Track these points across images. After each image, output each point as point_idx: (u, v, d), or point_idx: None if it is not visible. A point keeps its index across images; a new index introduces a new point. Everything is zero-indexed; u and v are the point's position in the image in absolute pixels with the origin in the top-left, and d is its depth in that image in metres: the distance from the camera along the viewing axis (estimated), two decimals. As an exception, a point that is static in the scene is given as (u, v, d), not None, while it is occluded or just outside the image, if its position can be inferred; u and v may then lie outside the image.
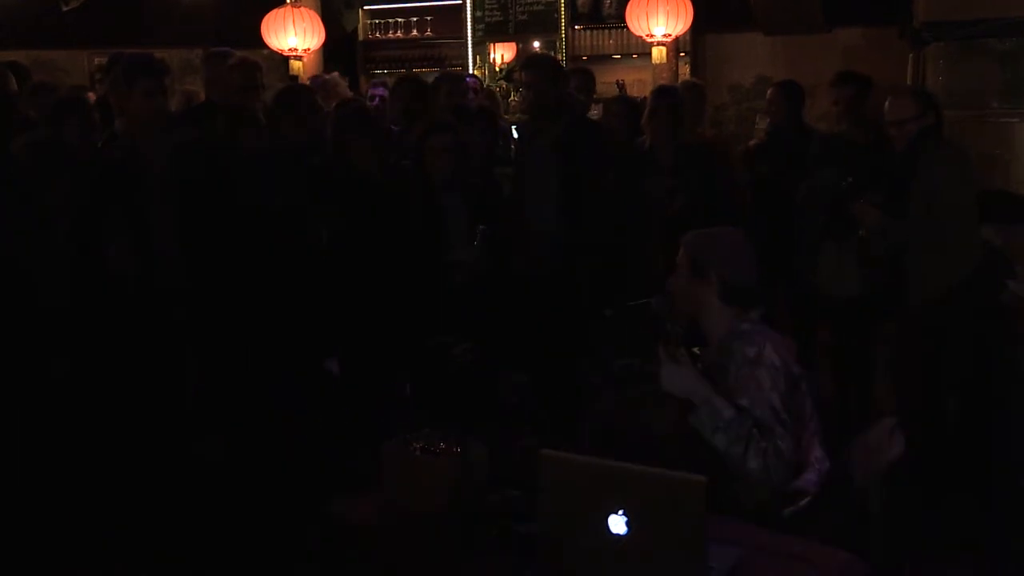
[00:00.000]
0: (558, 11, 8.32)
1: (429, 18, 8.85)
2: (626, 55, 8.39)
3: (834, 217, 4.74)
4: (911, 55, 6.51)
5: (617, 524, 2.15)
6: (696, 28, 7.46)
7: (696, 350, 3.13)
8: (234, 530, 4.39)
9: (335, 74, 6.60)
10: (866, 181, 4.59)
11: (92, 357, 3.86)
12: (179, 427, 4.34)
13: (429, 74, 8.66)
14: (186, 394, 4.30)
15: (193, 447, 4.44)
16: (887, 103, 4.46)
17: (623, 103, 5.94)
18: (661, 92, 5.35)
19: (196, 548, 4.15)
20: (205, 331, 4.34)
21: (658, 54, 7.33)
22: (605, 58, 8.50)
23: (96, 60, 8.30)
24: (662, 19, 7.06)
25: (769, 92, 5.61)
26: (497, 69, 8.55)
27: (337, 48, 8.52)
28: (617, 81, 8.08)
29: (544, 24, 8.38)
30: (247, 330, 4.42)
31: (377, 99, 6.27)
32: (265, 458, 4.51)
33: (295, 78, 7.59)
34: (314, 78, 6.76)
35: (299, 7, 7.62)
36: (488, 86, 8.04)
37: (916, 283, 4.41)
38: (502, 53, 8.73)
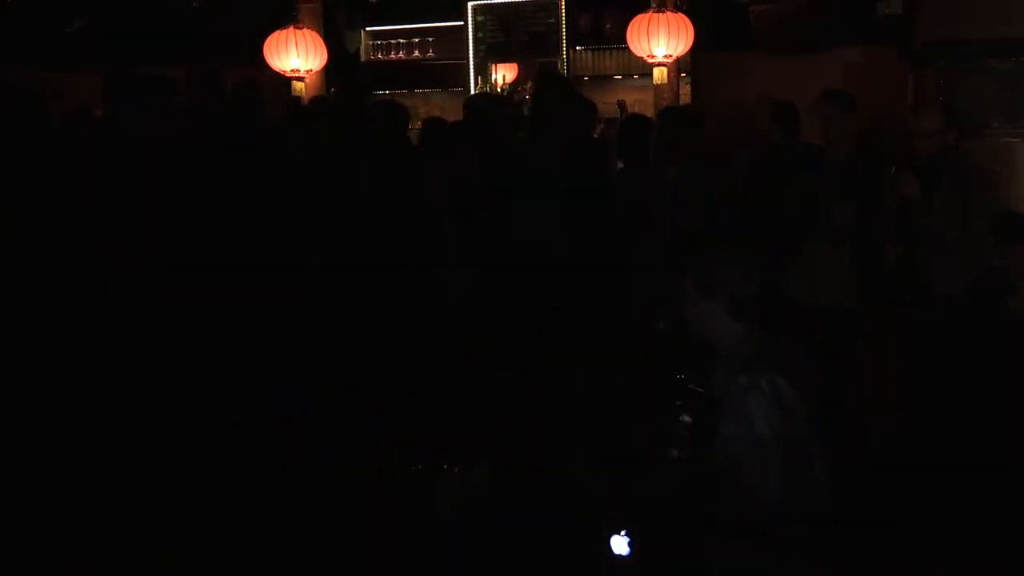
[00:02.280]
0: (559, 32, 8.36)
1: (431, 39, 8.90)
2: (627, 75, 8.43)
3: (811, 222, 4.79)
4: (911, 75, 6.53)
5: (619, 545, 2.14)
6: (697, 48, 7.49)
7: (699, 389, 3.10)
8: (235, 531, 4.41)
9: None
10: (840, 195, 4.66)
11: (94, 357, 3.86)
12: (179, 426, 4.34)
13: (431, 94, 8.76)
14: (185, 394, 4.30)
15: (193, 447, 4.45)
16: (918, 115, 4.50)
17: (629, 122, 5.98)
18: (668, 112, 5.37)
19: (197, 548, 4.20)
20: (205, 331, 4.34)
21: (659, 74, 7.36)
22: (606, 78, 8.53)
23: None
24: (663, 40, 7.09)
25: (771, 113, 5.65)
26: (499, 89, 8.58)
27: (340, 69, 8.55)
28: (618, 101, 8.10)
29: (545, 45, 8.42)
30: (248, 331, 4.44)
31: None
32: (265, 459, 4.51)
33: (297, 99, 7.62)
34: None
35: (302, 28, 7.66)
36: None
37: (919, 291, 4.45)
38: (504, 74, 8.76)
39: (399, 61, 8.99)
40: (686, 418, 2.96)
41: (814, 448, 2.77)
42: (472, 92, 8.27)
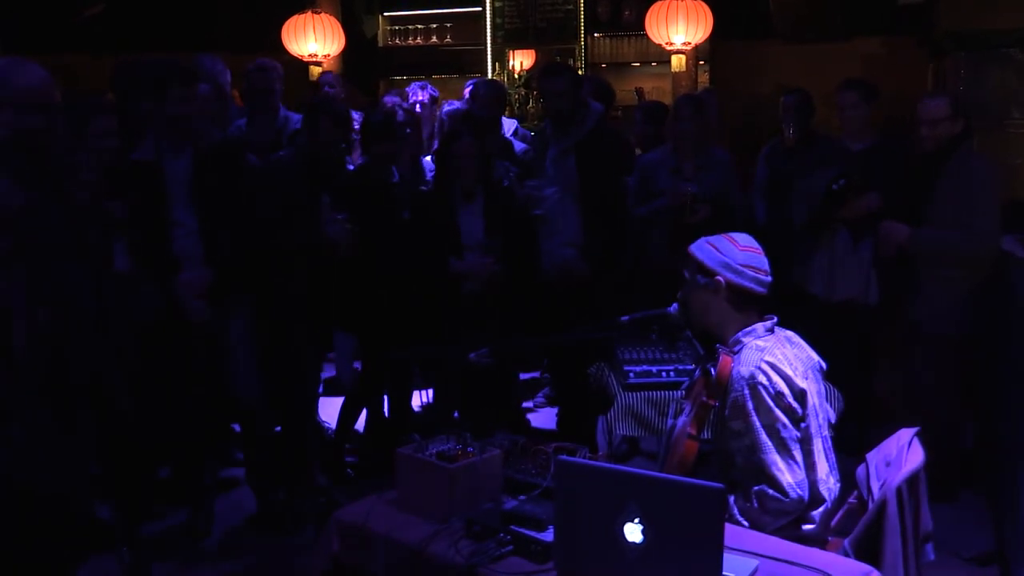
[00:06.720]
0: (577, 18, 8.32)
1: (449, 25, 8.88)
2: (645, 63, 8.40)
3: (824, 218, 4.77)
4: (931, 64, 6.49)
5: (633, 532, 2.14)
6: (715, 36, 7.45)
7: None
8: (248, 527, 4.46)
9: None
10: (859, 184, 4.62)
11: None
12: (198, 423, 4.38)
13: (448, 80, 8.73)
14: (205, 392, 4.33)
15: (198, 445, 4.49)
16: (922, 101, 4.45)
17: (647, 109, 5.95)
18: (685, 100, 5.33)
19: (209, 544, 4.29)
20: (225, 330, 4.37)
21: (677, 62, 7.33)
22: (624, 66, 8.50)
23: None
24: (681, 27, 7.06)
25: (784, 100, 5.62)
26: (516, 76, 8.56)
27: (357, 54, 8.54)
28: (636, 88, 8.07)
29: (563, 31, 8.39)
30: (267, 329, 4.46)
31: (418, 105, 6.26)
32: (277, 453, 4.54)
33: (315, 84, 7.62)
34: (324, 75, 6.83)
35: (320, 13, 7.66)
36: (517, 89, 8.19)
37: (932, 288, 4.41)
38: (521, 60, 8.73)
39: (416, 46, 8.98)
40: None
41: (820, 436, 2.76)
42: (489, 78, 8.23)
